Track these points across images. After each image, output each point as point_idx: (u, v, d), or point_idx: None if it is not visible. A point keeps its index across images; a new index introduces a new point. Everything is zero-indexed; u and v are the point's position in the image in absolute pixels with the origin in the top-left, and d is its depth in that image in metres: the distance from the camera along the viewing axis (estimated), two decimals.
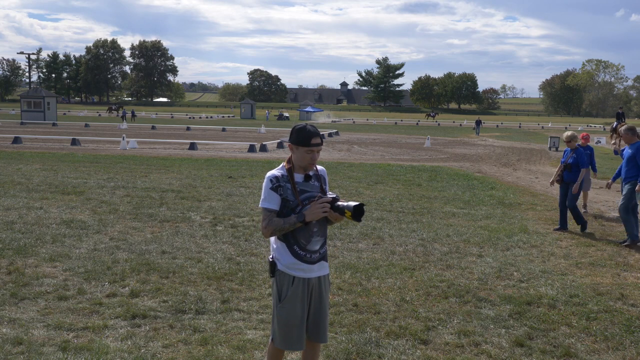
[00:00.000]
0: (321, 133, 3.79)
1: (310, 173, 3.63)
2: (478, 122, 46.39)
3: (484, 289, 6.52)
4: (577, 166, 9.70)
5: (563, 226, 9.83)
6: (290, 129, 3.62)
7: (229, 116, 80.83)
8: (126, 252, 7.61)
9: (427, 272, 7.13)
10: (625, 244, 8.82)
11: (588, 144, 11.92)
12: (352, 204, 3.40)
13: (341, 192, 13.20)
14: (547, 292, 6.44)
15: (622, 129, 9.45)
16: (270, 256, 3.66)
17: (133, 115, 62.48)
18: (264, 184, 3.58)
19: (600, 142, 37.19)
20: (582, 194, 11.95)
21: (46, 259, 7.15)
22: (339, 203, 3.45)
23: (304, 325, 3.63)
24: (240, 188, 13.29)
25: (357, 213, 3.39)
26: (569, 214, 9.89)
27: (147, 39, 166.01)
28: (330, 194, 3.59)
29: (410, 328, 5.31)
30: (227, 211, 10.51)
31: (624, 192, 9.07)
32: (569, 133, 9.98)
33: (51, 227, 8.89)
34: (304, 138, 3.49)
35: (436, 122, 77.98)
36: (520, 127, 67.89)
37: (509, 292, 6.42)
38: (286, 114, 78.21)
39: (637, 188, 8.87)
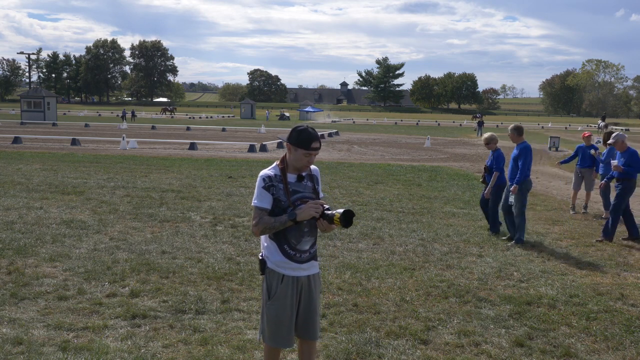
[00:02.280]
0: (320, 134, 3.82)
1: (303, 173, 3.65)
2: (480, 123, 45.10)
3: (484, 289, 6.52)
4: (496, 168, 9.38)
5: (493, 228, 9.46)
6: (291, 129, 3.63)
7: (229, 116, 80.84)
8: (126, 252, 7.61)
9: (427, 272, 7.13)
10: (511, 242, 8.75)
11: (592, 143, 11.90)
12: (342, 209, 3.41)
13: (341, 192, 13.20)
14: (547, 292, 6.44)
15: (509, 128, 9.17)
16: (261, 254, 3.70)
17: (133, 115, 62.50)
18: (257, 182, 3.61)
19: (600, 141, 37.17)
20: (585, 194, 11.89)
21: (46, 259, 7.15)
22: (329, 211, 3.47)
23: (292, 322, 3.66)
24: (240, 188, 13.28)
25: (346, 218, 3.38)
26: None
27: (147, 39, 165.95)
28: (324, 204, 3.59)
29: (410, 328, 5.31)
30: (227, 211, 10.51)
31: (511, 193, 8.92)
32: (486, 135, 9.66)
33: (51, 227, 8.89)
34: (304, 141, 3.49)
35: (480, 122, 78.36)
36: None
37: (509, 292, 6.42)
38: (287, 114, 78.33)
39: (512, 189, 8.79)
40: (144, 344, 4.83)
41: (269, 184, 3.54)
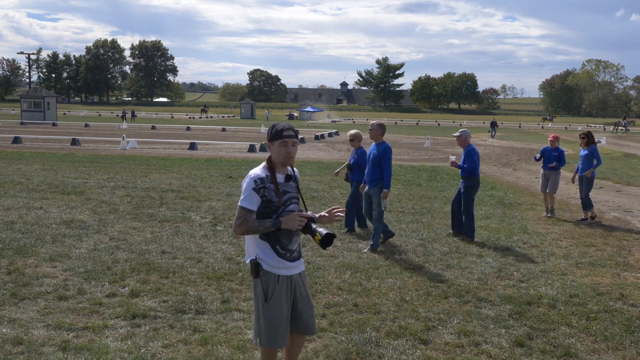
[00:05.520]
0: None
1: (290, 173, 3.69)
2: (493, 124, 43.46)
3: (484, 289, 6.52)
4: (359, 166, 9.14)
5: (349, 226, 9.27)
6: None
7: (229, 116, 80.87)
8: (126, 252, 7.61)
9: (427, 272, 7.13)
10: (366, 250, 8.10)
11: (557, 146, 11.40)
12: (325, 231, 3.50)
13: (341, 192, 13.20)
14: (547, 292, 6.44)
15: (373, 123, 8.38)
16: (253, 257, 3.66)
17: (133, 115, 62.50)
18: (245, 182, 3.61)
19: (600, 142, 37.18)
20: (548, 196, 11.23)
21: (46, 259, 7.15)
22: (313, 225, 3.55)
23: (288, 322, 3.69)
24: (240, 188, 13.25)
25: (326, 241, 3.48)
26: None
27: (146, 39, 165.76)
28: (312, 214, 3.66)
29: (410, 328, 5.31)
30: (227, 211, 10.51)
31: (374, 198, 8.19)
32: (352, 132, 9.46)
33: (51, 227, 8.89)
34: (277, 132, 3.60)
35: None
36: (520, 127, 67.91)
37: (509, 292, 6.42)
38: (295, 114, 78.69)
39: (382, 195, 8.00)
40: (144, 344, 4.82)
41: (260, 185, 3.56)
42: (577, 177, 11.28)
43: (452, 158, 9.29)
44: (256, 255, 3.65)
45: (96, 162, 18.49)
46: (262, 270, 3.63)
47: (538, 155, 11.71)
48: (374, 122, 8.49)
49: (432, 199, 12.63)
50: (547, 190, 11.33)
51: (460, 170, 9.16)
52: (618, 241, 9.18)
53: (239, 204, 3.60)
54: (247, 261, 3.71)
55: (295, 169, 3.81)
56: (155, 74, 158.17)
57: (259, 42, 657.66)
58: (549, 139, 11.64)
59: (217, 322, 5.33)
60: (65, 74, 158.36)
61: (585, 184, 10.91)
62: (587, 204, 10.85)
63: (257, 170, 3.63)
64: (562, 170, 11.77)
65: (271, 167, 3.62)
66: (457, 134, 9.28)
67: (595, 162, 10.95)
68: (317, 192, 13.02)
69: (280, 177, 3.63)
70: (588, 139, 11.08)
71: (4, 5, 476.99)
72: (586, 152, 11.05)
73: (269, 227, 3.52)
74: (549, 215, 11.16)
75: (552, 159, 11.35)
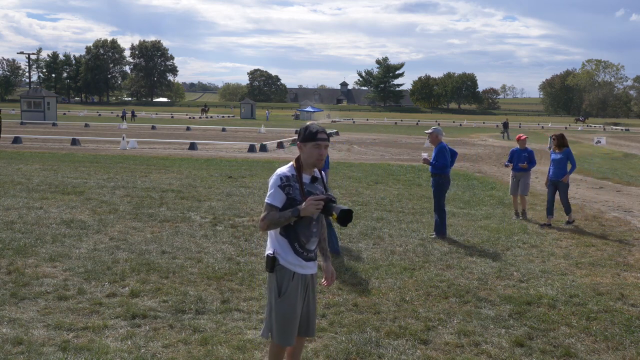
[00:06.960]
0: (329, 132, 3.92)
1: (317, 175, 3.71)
2: (506, 125, 41.52)
3: (484, 289, 6.52)
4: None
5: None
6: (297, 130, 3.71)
7: (229, 116, 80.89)
8: (126, 252, 7.61)
9: (427, 272, 7.13)
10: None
11: (526, 146, 11.03)
12: (341, 207, 3.50)
13: (341, 192, 13.21)
14: (547, 292, 6.44)
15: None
16: (271, 251, 3.70)
17: (133, 115, 62.51)
18: (272, 179, 3.65)
19: (600, 142, 37.21)
20: (520, 198, 11.00)
21: (46, 259, 7.15)
22: (332, 204, 3.55)
23: (298, 320, 3.72)
24: (240, 188, 13.29)
25: (343, 217, 3.48)
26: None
27: (146, 39, 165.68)
28: (329, 194, 3.66)
29: (410, 328, 5.31)
30: (227, 211, 10.51)
31: None
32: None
33: (51, 227, 8.89)
34: (311, 134, 3.64)
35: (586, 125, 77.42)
36: (520, 127, 67.90)
37: (509, 292, 6.42)
38: (299, 114, 78.88)
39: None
40: (144, 344, 4.82)
41: (285, 183, 3.60)
42: (548, 181, 10.62)
43: (424, 155, 9.31)
44: (274, 250, 3.69)
45: (96, 162, 18.49)
46: (278, 265, 3.66)
47: (508, 162, 11.21)
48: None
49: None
50: (519, 192, 10.96)
51: (430, 168, 9.18)
52: (618, 241, 9.18)
53: (265, 200, 3.65)
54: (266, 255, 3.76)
55: (322, 171, 3.84)
56: (155, 74, 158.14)
57: (259, 42, 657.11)
58: (520, 138, 11.14)
59: (217, 322, 5.33)
60: (65, 74, 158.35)
61: (564, 189, 10.41)
62: (567, 206, 10.47)
63: (284, 169, 3.68)
64: (534, 169, 11.29)
65: (298, 167, 3.67)
66: (429, 131, 9.30)
67: (570, 166, 10.38)
68: None
69: (306, 178, 3.67)
70: (558, 141, 10.51)
71: (4, 5, 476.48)
72: (560, 155, 10.36)
73: (289, 217, 3.55)
74: (520, 218, 10.79)
75: (522, 159, 10.94)
